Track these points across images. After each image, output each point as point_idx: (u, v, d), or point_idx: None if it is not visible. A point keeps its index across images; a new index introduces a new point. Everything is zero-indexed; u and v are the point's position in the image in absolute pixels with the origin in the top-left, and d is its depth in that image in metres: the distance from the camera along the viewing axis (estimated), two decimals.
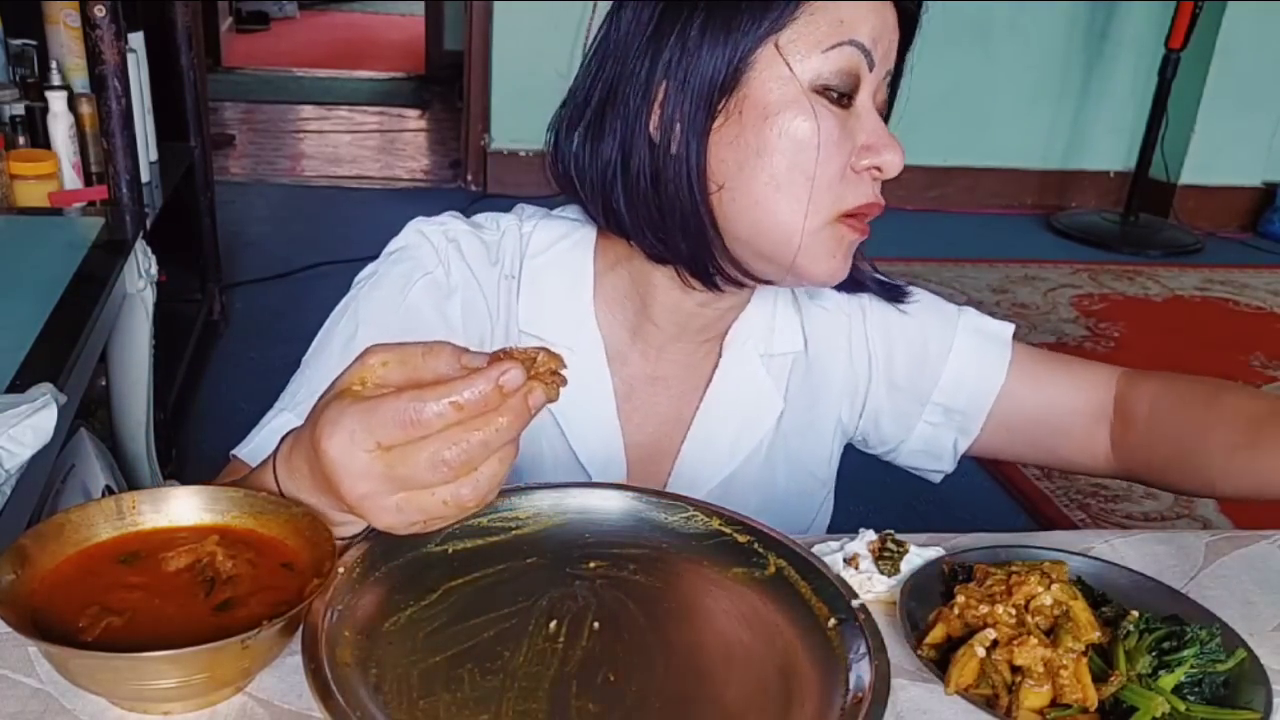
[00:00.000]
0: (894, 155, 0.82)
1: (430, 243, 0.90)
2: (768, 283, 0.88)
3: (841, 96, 0.81)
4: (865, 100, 0.82)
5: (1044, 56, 4.48)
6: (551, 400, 0.58)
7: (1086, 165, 4.72)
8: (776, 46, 0.79)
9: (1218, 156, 4.50)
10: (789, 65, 0.80)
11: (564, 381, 0.59)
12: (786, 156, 0.80)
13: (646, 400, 0.95)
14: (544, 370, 0.58)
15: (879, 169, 0.82)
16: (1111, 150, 4.68)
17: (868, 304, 1.00)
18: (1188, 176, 4.52)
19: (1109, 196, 4.70)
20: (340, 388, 0.59)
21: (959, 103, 4.46)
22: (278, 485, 0.66)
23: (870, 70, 0.81)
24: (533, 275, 0.92)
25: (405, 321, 0.87)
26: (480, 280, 0.91)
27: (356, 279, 0.91)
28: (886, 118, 0.87)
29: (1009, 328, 1.02)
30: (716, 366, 0.95)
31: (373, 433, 0.56)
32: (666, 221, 0.84)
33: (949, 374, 0.99)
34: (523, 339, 0.92)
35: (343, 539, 0.67)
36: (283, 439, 0.67)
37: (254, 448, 0.84)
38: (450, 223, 0.93)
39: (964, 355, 1.00)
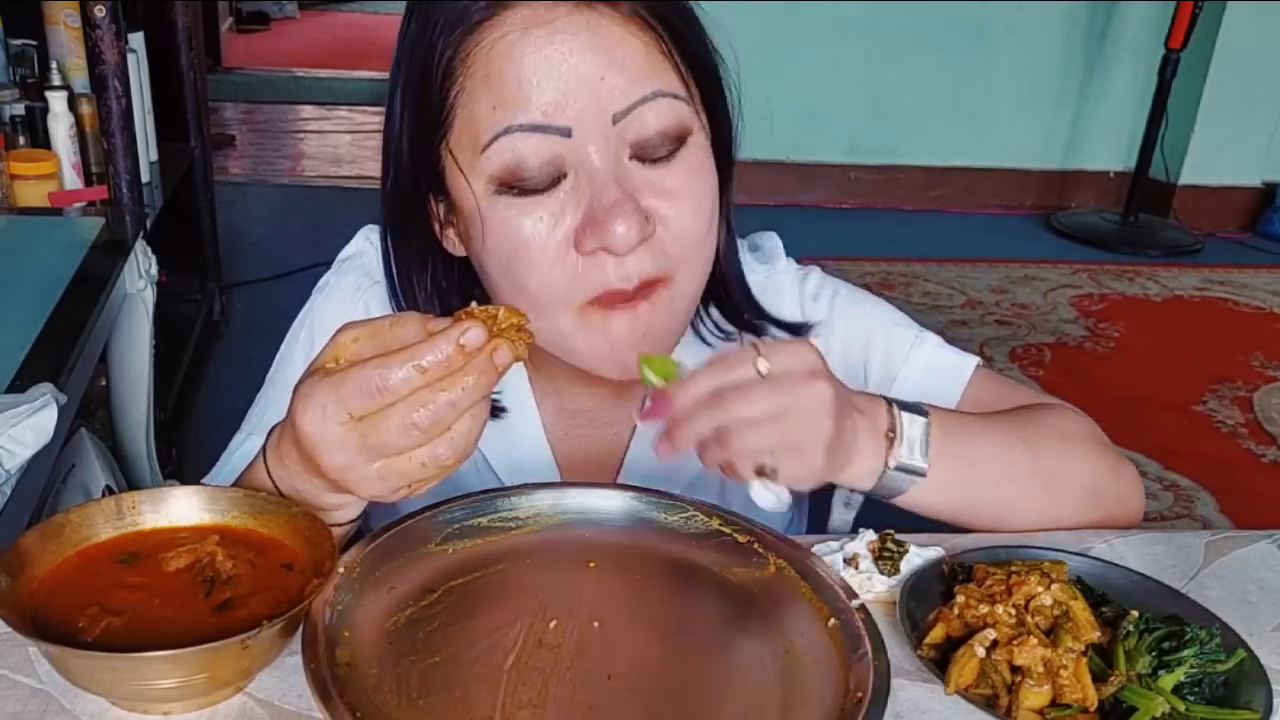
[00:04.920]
0: (621, 225, 0.69)
1: (377, 250, 0.90)
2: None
3: (541, 184, 0.71)
4: (593, 162, 0.71)
5: (1044, 57, 4.48)
6: (519, 358, 0.59)
7: (1086, 165, 4.72)
8: (449, 152, 0.73)
9: (1217, 156, 4.50)
10: (459, 169, 0.73)
11: (531, 337, 0.60)
12: (495, 271, 0.75)
13: (572, 432, 0.93)
14: (507, 326, 0.59)
15: (604, 249, 0.71)
16: (1111, 150, 4.67)
17: (824, 341, 0.92)
18: (1187, 176, 4.52)
19: (1109, 196, 4.69)
20: (314, 367, 0.60)
21: (959, 103, 4.46)
22: (270, 477, 0.66)
23: (570, 136, 0.70)
24: None
25: None
26: None
27: (315, 288, 0.92)
28: (719, 126, 0.78)
29: (970, 362, 0.94)
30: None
31: (343, 404, 0.57)
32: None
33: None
34: None
35: (340, 524, 0.67)
36: (271, 431, 0.67)
37: (227, 475, 0.84)
38: None
39: (908, 383, 0.92)
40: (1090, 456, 0.86)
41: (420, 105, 0.74)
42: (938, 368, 0.92)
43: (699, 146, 0.76)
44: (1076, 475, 0.85)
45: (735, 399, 0.67)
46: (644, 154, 0.73)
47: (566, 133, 0.70)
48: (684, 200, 0.74)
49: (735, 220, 0.87)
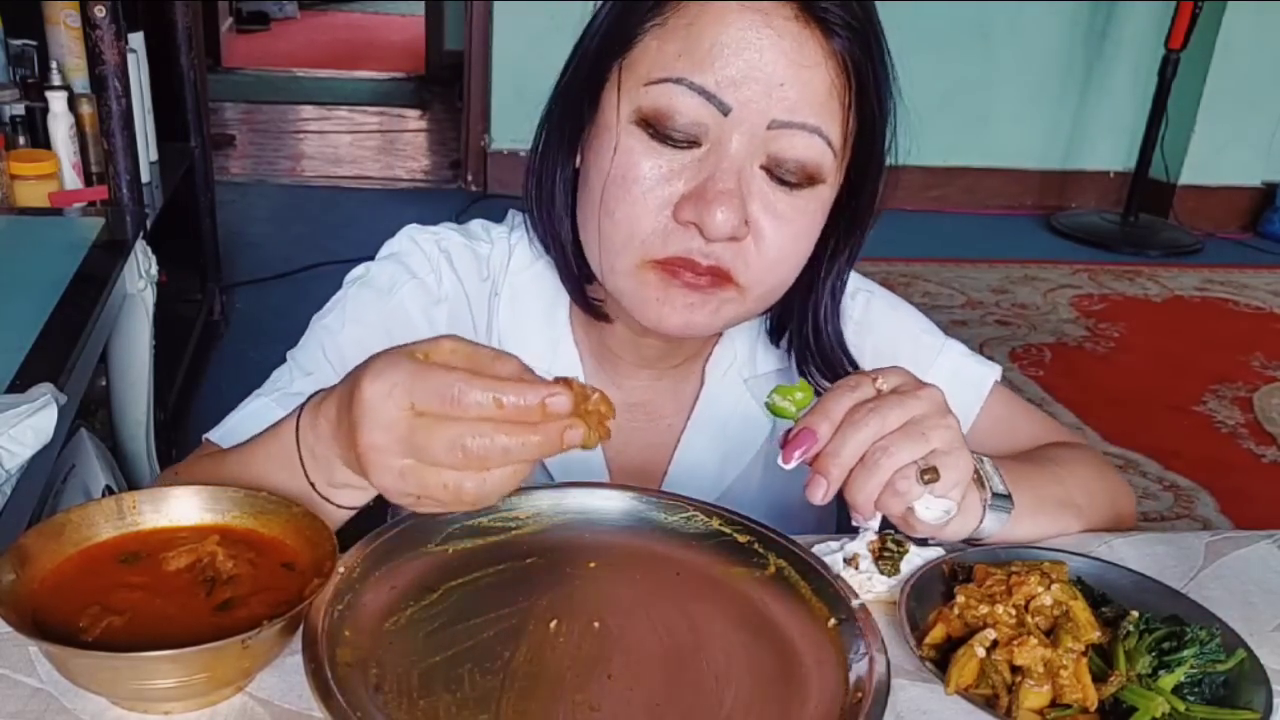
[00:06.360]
0: (721, 213, 0.72)
1: (422, 250, 0.90)
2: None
3: (677, 137, 0.74)
4: (730, 147, 0.74)
5: (1044, 56, 4.48)
6: (587, 446, 0.58)
7: (1086, 165, 4.72)
8: (619, 69, 0.76)
9: (1218, 156, 4.51)
10: (618, 89, 0.76)
11: (607, 434, 0.59)
12: (596, 188, 0.77)
13: (625, 426, 0.93)
14: (592, 411, 0.59)
15: (697, 225, 0.74)
16: (1111, 150, 4.68)
17: (854, 327, 0.96)
18: (1187, 176, 4.52)
19: (1109, 196, 4.70)
20: (406, 349, 0.59)
21: (959, 103, 4.46)
22: (296, 432, 0.65)
23: (726, 115, 0.73)
24: (512, 293, 0.91)
25: (391, 322, 0.87)
26: (470, 295, 0.91)
27: (348, 277, 0.91)
28: (864, 179, 0.80)
29: (991, 376, 0.97)
30: (699, 394, 0.93)
31: (413, 393, 0.56)
32: (552, 245, 0.86)
33: None
34: None
35: (338, 506, 0.67)
36: (314, 395, 0.67)
37: (227, 431, 0.84)
38: (444, 233, 0.92)
39: None
40: (1108, 482, 0.93)
41: (618, 19, 0.77)
42: (960, 379, 0.95)
43: (822, 199, 0.78)
44: (1107, 499, 0.91)
45: (871, 411, 0.68)
46: (774, 170, 0.75)
47: (726, 110, 0.73)
48: (785, 227, 0.77)
49: (841, 292, 0.89)
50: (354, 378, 0.59)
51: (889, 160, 0.82)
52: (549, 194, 0.85)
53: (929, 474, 0.68)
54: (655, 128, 0.74)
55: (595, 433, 0.59)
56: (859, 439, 0.68)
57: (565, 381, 0.58)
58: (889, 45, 0.78)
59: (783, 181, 0.76)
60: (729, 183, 0.73)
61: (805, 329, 0.89)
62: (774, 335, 0.93)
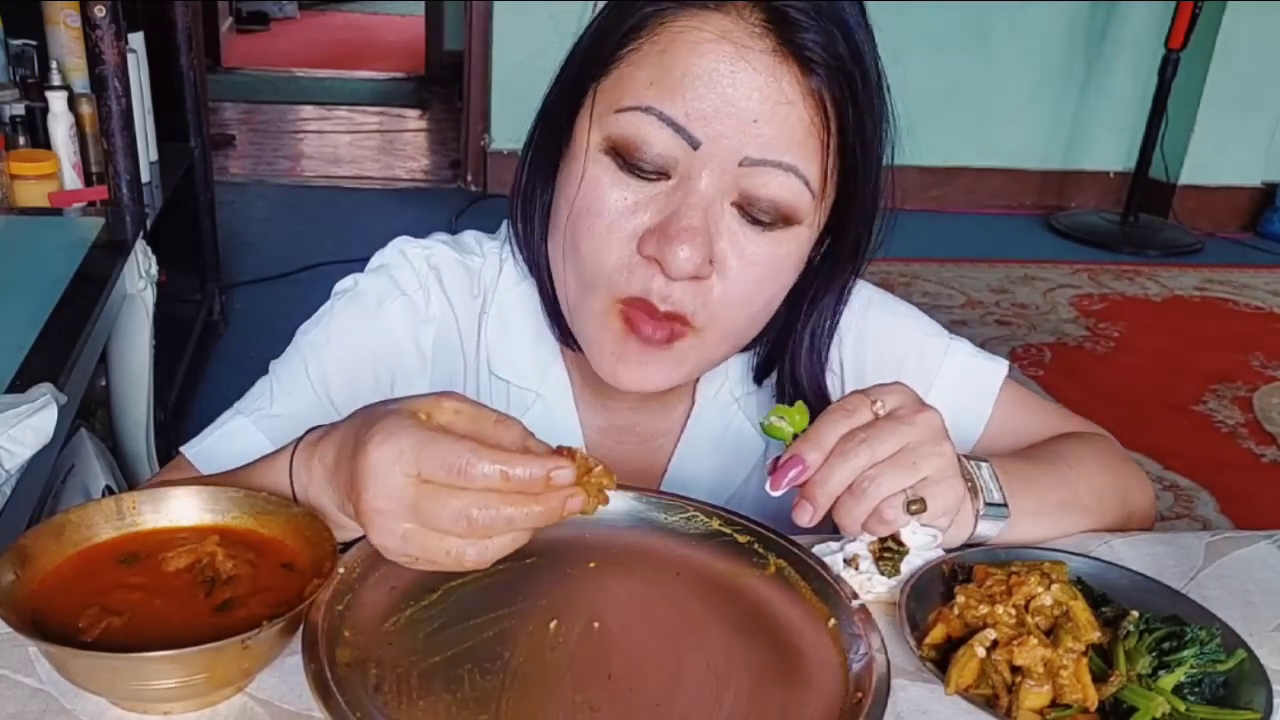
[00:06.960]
0: (684, 250, 0.69)
1: (412, 265, 0.88)
2: None
3: (645, 169, 0.71)
4: (699, 183, 0.71)
5: (1044, 56, 4.48)
6: (586, 512, 0.60)
7: (1086, 165, 4.72)
8: (595, 93, 0.74)
9: (1217, 156, 4.50)
10: (590, 114, 0.74)
11: (605, 500, 0.61)
12: (563, 218, 0.76)
13: (616, 448, 0.92)
14: (594, 482, 0.60)
15: (658, 260, 0.71)
16: (1111, 150, 4.68)
17: (850, 336, 0.93)
18: (1187, 176, 4.52)
19: (1109, 196, 4.70)
20: (406, 407, 0.59)
21: (959, 103, 4.46)
22: (290, 473, 0.66)
23: (696, 149, 0.70)
24: (501, 312, 0.88)
25: (376, 341, 0.86)
26: (459, 315, 0.88)
27: (335, 289, 0.89)
28: (847, 221, 0.77)
29: (999, 373, 0.94)
30: (691, 414, 0.92)
31: (420, 462, 0.56)
32: (532, 270, 0.85)
33: None
34: (493, 383, 0.89)
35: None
36: (309, 431, 0.67)
37: (204, 449, 0.83)
38: (435, 247, 0.89)
39: (940, 399, 0.87)
40: (1120, 477, 0.92)
41: (597, 41, 0.75)
42: (969, 380, 0.94)
43: (799, 240, 0.75)
44: (1116, 497, 0.90)
45: (862, 442, 0.68)
46: (746, 208, 0.72)
47: (695, 144, 0.70)
48: (752, 268, 0.74)
49: (825, 338, 0.87)
50: (357, 436, 0.59)
51: (883, 204, 0.79)
52: (530, 217, 0.84)
53: (916, 504, 0.68)
54: (624, 158, 0.72)
55: (595, 500, 0.60)
56: (848, 469, 0.67)
57: (569, 452, 0.60)
58: (891, 99, 0.76)
59: (755, 220, 0.73)
60: (694, 219, 0.71)
61: (784, 378, 0.88)
62: (757, 374, 0.91)
